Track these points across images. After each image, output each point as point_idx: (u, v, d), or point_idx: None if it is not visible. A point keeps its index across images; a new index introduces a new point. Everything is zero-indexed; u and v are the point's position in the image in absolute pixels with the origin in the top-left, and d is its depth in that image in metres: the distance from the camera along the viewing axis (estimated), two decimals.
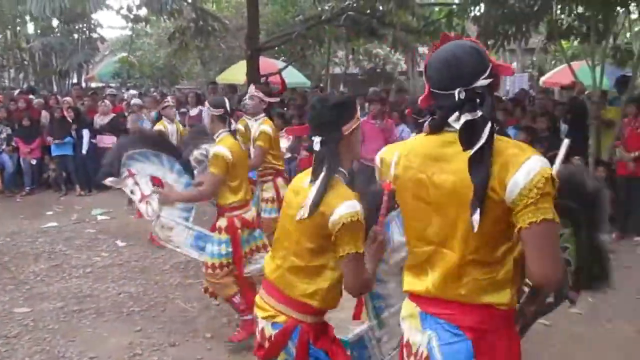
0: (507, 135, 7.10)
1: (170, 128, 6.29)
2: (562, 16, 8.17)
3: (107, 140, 9.46)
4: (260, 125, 4.55)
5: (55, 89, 15.77)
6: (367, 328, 2.37)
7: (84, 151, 9.15)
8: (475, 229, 1.46)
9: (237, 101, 7.09)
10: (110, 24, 57.78)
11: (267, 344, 2.06)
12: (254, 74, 9.18)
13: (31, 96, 10.74)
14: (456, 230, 1.54)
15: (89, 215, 7.68)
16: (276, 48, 13.85)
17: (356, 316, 2.29)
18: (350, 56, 18.57)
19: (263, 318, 2.09)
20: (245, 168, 3.80)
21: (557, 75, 12.70)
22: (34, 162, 9.21)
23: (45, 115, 9.58)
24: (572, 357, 3.41)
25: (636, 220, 6.16)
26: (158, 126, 5.87)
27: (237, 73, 11.98)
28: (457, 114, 1.53)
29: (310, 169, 2.04)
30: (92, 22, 15.15)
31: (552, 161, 1.60)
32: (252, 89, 4.80)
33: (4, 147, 9.11)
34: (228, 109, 3.67)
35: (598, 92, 7.26)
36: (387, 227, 2.21)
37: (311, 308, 2.02)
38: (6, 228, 6.94)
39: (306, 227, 1.96)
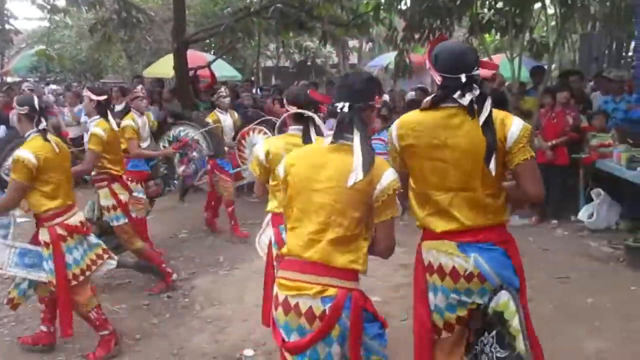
0: None
1: (140, 121, 5.62)
2: (484, 10, 8.51)
3: None
4: (93, 128, 4.27)
5: None
6: None
7: None
8: (493, 173, 2.10)
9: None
10: (26, 15, 54.64)
11: (316, 323, 1.98)
12: (181, 68, 8.96)
13: None
14: (475, 177, 2.16)
15: None
16: (206, 41, 13.61)
17: None
18: (281, 49, 18.51)
19: (309, 296, 1.99)
20: (63, 171, 3.49)
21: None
22: None
23: None
24: None
25: (554, 205, 6.52)
26: (126, 120, 5.25)
27: (164, 66, 11.65)
28: (459, 92, 2.13)
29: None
30: (5, 12, 14.26)
31: None
32: (85, 90, 4.63)
33: None
34: (36, 106, 3.46)
35: (517, 83, 7.63)
36: None
37: (357, 273, 2.05)
38: None
39: (352, 195, 2.00)
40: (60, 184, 3.44)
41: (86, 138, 8.55)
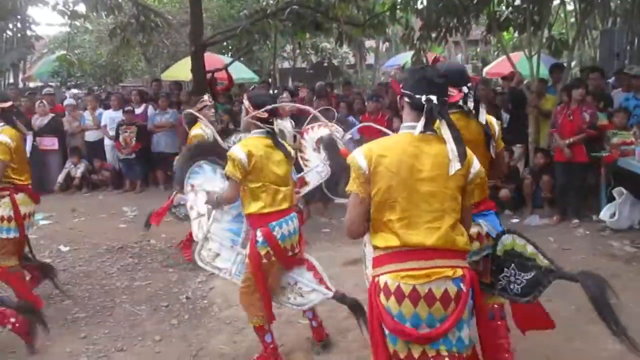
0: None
1: (208, 132, 5.22)
2: (502, 8, 8.43)
3: (48, 142, 9.13)
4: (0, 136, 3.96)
5: None
6: None
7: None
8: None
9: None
10: (48, 21, 55.55)
11: (451, 306, 2.04)
12: (199, 70, 9.02)
13: None
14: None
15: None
16: (224, 44, 13.69)
17: None
18: (298, 50, 18.53)
19: (440, 280, 2.03)
20: None
21: (498, 66, 13.07)
22: None
23: None
24: (513, 338, 3.51)
25: (575, 205, 6.43)
26: (195, 130, 5.05)
27: (182, 69, 11.74)
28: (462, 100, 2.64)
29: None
30: (27, 18, 14.49)
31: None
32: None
33: None
34: None
35: (536, 81, 7.53)
36: None
37: (467, 252, 2.19)
38: None
39: (456, 181, 2.10)
40: None
41: (107, 142, 8.68)
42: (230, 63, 10.21)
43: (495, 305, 2.92)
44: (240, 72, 13.10)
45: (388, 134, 2.68)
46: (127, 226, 6.96)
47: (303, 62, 20.67)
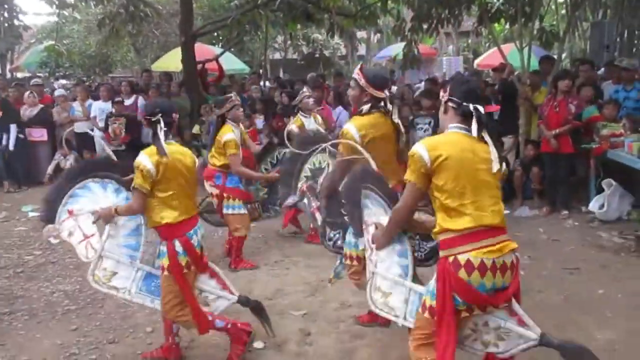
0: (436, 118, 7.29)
1: (237, 132, 4.96)
2: None
3: (37, 134, 9.05)
4: None
5: None
6: None
7: (11, 147, 8.67)
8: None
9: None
10: (36, 11, 54.83)
11: (508, 274, 2.41)
12: (189, 61, 8.98)
13: None
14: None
15: (18, 213, 7.32)
16: (214, 34, 13.60)
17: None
18: (289, 41, 18.46)
19: (508, 253, 2.41)
20: None
21: (489, 57, 13.11)
22: None
23: None
24: None
25: (563, 196, 6.48)
26: (227, 135, 4.74)
27: (172, 60, 11.67)
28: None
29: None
30: (14, 7, 14.30)
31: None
32: None
33: None
34: None
35: (527, 73, 7.55)
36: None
37: None
38: None
39: (497, 175, 2.47)
40: None
41: (97, 133, 8.60)
42: (221, 54, 10.15)
43: None
44: (231, 63, 13.04)
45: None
46: None
47: (294, 53, 20.58)
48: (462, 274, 2.36)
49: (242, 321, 3.44)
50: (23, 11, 19.37)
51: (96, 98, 9.43)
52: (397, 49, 13.80)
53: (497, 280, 2.38)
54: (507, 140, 7.22)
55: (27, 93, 9.19)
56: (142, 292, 3.37)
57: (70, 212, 3.42)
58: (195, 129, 8.44)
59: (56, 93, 9.97)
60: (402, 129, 3.37)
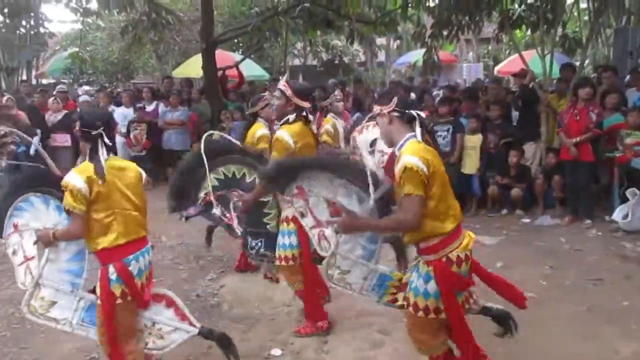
0: (462, 125, 7.25)
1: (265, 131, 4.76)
2: (514, 5, 8.37)
3: (61, 139, 9.18)
4: None
5: (3, 86, 15.16)
6: None
7: (31, 152, 8.81)
8: None
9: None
10: (60, 18, 55.83)
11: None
12: (210, 68, 9.07)
13: None
14: None
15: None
16: (234, 41, 13.71)
17: None
18: (308, 48, 18.51)
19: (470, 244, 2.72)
20: None
21: (509, 64, 12.99)
22: None
23: None
24: (527, 340, 3.49)
25: (586, 204, 6.37)
26: (260, 130, 4.57)
27: (193, 67, 11.78)
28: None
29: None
30: (40, 15, 14.60)
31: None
32: None
33: None
34: None
35: (548, 80, 7.47)
36: None
37: None
38: None
39: None
40: None
41: (118, 139, 8.71)
42: (241, 60, 10.24)
43: None
44: (251, 69, 13.12)
45: None
46: None
47: (314, 60, 20.62)
48: (455, 268, 2.63)
49: None
50: (48, 19, 19.75)
51: (118, 104, 9.57)
52: (416, 55, 13.77)
53: (467, 268, 2.70)
54: (528, 148, 7.13)
55: (51, 99, 9.36)
56: (85, 324, 3.05)
57: (15, 226, 3.10)
58: (215, 135, 8.48)
59: (80, 99, 10.14)
60: (319, 139, 3.89)
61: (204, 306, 4.44)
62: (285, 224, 3.70)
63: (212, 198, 3.98)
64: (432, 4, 8.75)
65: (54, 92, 10.17)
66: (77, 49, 14.02)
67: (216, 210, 4.00)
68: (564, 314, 4.02)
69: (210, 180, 3.98)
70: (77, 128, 2.86)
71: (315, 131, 3.79)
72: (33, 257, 3.07)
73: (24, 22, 14.68)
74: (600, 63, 11.16)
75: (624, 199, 6.00)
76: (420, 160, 2.52)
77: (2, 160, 6.58)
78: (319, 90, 9.14)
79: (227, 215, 3.98)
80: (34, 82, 15.80)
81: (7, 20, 14.10)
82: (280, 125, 3.75)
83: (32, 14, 14.22)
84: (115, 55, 15.82)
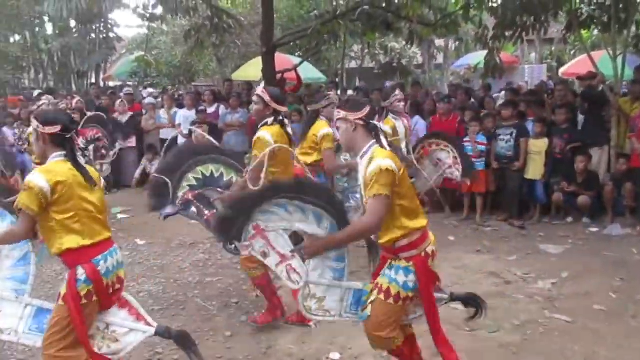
0: (526, 129, 7.01)
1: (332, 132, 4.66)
2: (582, 5, 8.04)
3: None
4: None
5: (74, 88, 15.97)
6: None
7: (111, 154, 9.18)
8: None
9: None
10: (127, 23, 58.32)
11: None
12: (269, 71, 9.18)
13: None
14: None
15: (109, 214, 7.75)
16: (291, 44, 13.86)
17: None
18: (366, 50, 18.47)
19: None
20: None
21: (576, 65, 12.48)
22: None
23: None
24: (596, 355, 3.34)
25: None
26: (324, 129, 4.51)
27: (252, 70, 11.99)
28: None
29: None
30: (109, 22, 15.29)
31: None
32: None
33: (25, 147, 9.23)
34: None
35: (620, 82, 7.12)
36: None
37: None
38: None
39: None
40: None
41: (180, 140, 8.99)
42: (300, 63, 10.31)
43: None
44: (308, 72, 13.21)
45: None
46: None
47: (371, 62, 20.55)
48: (430, 262, 2.82)
49: None
50: (117, 24, 20.62)
51: (181, 106, 9.85)
52: (475, 57, 13.45)
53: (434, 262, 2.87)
54: (595, 153, 6.81)
55: (118, 101, 9.76)
56: (32, 332, 2.88)
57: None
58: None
59: (145, 101, 10.51)
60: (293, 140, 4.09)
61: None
62: None
63: (190, 197, 4.08)
64: (495, 5, 8.52)
65: (121, 95, 10.61)
66: (142, 53, 14.52)
67: (193, 209, 4.11)
68: (636, 329, 3.81)
69: (188, 180, 4.12)
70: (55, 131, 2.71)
71: (291, 133, 4.10)
72: None
73: (94, 28, 15.41)
74: None
75: None
76: (393, 162, 2.69)
77: (104, 164, 7.08)
78: (377, 93, 9.14)
79: (207, 213, 4.07)
80: (101, 84, 16.55)
81: (80, 26, 14.81)
82: (260, 126, 4.04)
83: (102, 20, 14.90)
84: (178, 59, 16.33)
